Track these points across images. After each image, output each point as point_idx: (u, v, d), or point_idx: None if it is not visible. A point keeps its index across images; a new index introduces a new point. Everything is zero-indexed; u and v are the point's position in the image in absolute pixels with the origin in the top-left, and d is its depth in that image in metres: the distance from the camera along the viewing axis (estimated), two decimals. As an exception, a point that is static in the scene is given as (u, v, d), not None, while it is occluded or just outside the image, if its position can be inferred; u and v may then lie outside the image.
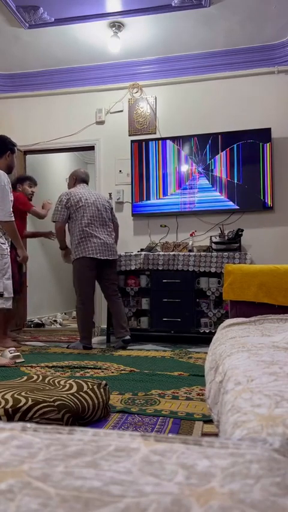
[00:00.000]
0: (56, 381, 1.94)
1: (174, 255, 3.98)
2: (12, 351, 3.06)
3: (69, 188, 3.89)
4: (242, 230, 4.03)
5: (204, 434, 1.64)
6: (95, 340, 4.03)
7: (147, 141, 4.51)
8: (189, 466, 0.39)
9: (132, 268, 4.03)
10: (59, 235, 3.76)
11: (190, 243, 4.22)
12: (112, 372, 2.70)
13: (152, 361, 3.10)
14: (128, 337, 3.62)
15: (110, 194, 4.59)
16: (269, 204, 4.20)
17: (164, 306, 3.97)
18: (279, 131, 4.26)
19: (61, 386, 1.85)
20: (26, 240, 4.52)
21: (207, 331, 3.84)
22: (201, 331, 3.88)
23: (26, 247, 4.42)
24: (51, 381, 1.95)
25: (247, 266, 2.56)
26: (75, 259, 3.63)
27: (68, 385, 1.85)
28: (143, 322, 4.08)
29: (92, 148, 4.80)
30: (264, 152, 4.21)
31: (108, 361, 3.06)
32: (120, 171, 4.60)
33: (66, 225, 3.73)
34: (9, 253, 3.57)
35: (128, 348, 3.67)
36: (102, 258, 3.61)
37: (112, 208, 3.92)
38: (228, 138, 4.31)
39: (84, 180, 3.89)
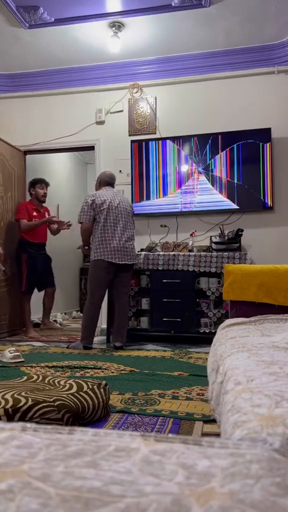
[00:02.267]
0: (56, 381, 1.94)
1: (174, 255, 3.98)
2: (12, 351, 3.06)
3: (96, 190, 3.90)
4: (242, 230, 4.03)
5: (204, 434, 1.64)
6: (95, 340, 4.02)
7: (147, 141, 4.51)
8: (189, 466, 0.39)
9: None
10: (85, 236, 3.75)
11: (190, 243, 4.21)
12: (112, 372, 2.70)
13: (152, 361, 3.10)
14: (119, 344, 3.63)
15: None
16: (269, 204, 4.20)
17: (164, 306, 3.97)
18: (279, 131, 4.26)
19: (61, 386, 1.85)
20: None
21: (207, 331, 3.83)
22: (201, 331, 3.88)
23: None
24: (51, 381, 1.95)
25: (247, 266, 2.56)
26: (93, 260, 3.65)
27: (68, 385, 1.85)
28: (143, 322, 4.08)
29: (92, 148, 4.80)
30: (264, 152, 4.21)
31: (108, 361, 3.06)
32: (120, 171, 4.60)
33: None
34: None
35: (128, 348, 3.67)
36: (120, 262, 3.61)
37: (133, 213, 3.91)
38: (228, 138, 4.30)
39: (109, 183, 3.88)
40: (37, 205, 4.59)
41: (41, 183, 4.62)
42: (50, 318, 5.56)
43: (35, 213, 4.50)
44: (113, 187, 3.91)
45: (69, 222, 4.57)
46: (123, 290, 3.76)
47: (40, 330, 4.78)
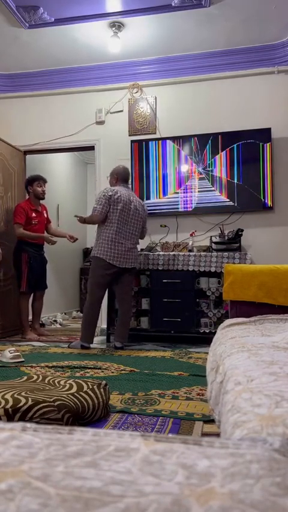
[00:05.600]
0: (56, 381, 1.94)
1: (174, 255, 3.98)
2: (12, 351, 3.06)
3: (111, 186, 3.77)
4: (242, 230, 4.03)
5: (204, 434, 1.64)
6: (95, 340, 4.02)
7: (147, 141, 4.51)
8: (189, 466, 0.39)
9: (132, 268, 4.02)
10: (91, 223, 3.70)
11: (190, 243, 4.21)
12: (112, 372, 2.70)
13: (152, 361, 3.10)
14: (119, 345, 3.63)
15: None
16: (269, 204, 4.20)
17: (164, 306, 3.97)
18: (279, 131, 4.26)
19: (61, 386, 1.85)
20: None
21: (207, 331, 3.83)
22: (201, 331, 3.88)
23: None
24: (51, 381, 1.95)
25: (247, 266, 2.56)
26: (95, 256, 3.58)
27: (68, 385, 1.85)
28: (143, 322, 4.08)
29: (92, 148, 4.80)
30: (264, 152, 4.21)
31: (108, 361, 3.06)
32: (120, 171, 4.59)
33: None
34: None
35: (128, 348, 3.67)
36: (121, 266, 3.59)
37: (146, 218, 3.80)
38: (228, 138, 4.30)
39: (126, 179, 3.79)
40: (35, 205, 4.48)
41: (39, 180, 4.49)
42: (49, 317, 5.55)
43: (33, 214, 4.41)
44: (127, 183, 3.82)
45: (74, 238, 4.48)
46: (126, 290, 3.74)
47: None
